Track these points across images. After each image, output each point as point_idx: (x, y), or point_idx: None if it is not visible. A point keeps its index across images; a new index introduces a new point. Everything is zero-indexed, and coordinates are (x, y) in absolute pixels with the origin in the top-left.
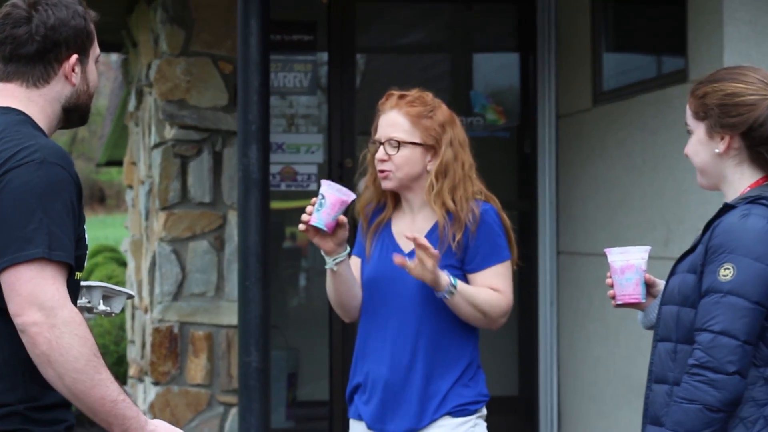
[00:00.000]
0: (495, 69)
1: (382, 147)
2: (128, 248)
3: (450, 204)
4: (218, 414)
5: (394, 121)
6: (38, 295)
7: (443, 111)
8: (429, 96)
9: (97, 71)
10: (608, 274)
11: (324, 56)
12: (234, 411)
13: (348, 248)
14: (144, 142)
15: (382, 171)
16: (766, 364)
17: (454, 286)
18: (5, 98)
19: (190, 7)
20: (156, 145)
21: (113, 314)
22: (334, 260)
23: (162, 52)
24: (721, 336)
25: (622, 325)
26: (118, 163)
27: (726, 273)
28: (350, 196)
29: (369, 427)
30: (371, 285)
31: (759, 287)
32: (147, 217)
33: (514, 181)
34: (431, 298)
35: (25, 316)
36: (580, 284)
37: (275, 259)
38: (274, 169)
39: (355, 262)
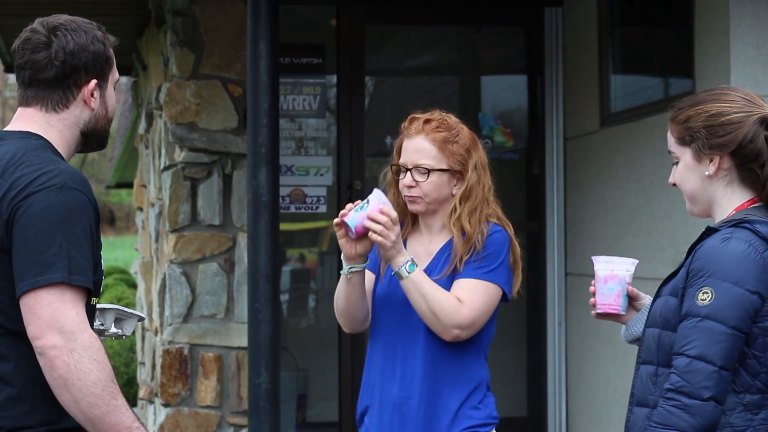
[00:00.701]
0: (503, 91)
1: (409, 173)
2: (138, 270)
3: (467, 227)
4: None
5: (420, 148)
6: (58, 319)
7: (466, 134)
8: (452, 119)
9: (115, 96)
10: (592, 282)
11: (333, 79)
12: None
13: (367, 262)
14: (154, 164)
15: (410, 197)
16: (745, 391)
17: (409, 271)
18: (24, 122)
19: (199, 31)
20: (166, 168)
21: (124, 337)
22: (350, 268)
23: (172, 75)
24: (697, 361)
25: (630, 345)
26: (128, 185)
27: (704, 297)
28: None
29: None
30: (382, 304)
31: (737, 312)
32: (157, 240)
33: (523, 202)
34: None
35: (44, 339)
36: (587, 305)
37: (288, 280)
38: (283, 191)
39: (368, 277)
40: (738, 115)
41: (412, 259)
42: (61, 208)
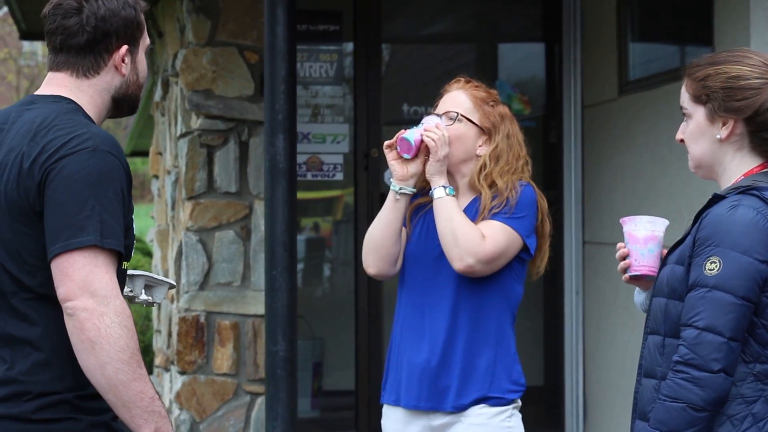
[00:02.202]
0: (520, 59)
1: (438, 118)
2: (154, 238)
3: (500, 182)
4: (245, 403)
5: (456, 99)
6: (92, 282)
7: (505, 108)
8: (495, 92)
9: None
10: (620, 244)
11: (350, 46)
12: (260, 400)
13: (416, 188)
14: (170, 132)
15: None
16: (755, 360)
17: (447, 193)
18: (55, 87)
19: None
20: (182, 135)
21: (154, 304)
22: (400, 188)
23: (188, 42)
24: (705, 332)
25: None
26: (143, 154)
27: (712, 267)
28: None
29: (408, 407)
30: (411, 262)
31: (746, 282)
32: (173, 207)
33: (540, 170)
34: (470, 279)
35: (76, 301)
36: (605, 274)
37: (303, 249)
38: (300, 159)
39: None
40: (758, 81)
41: (448, 187)
42: (93, 171)
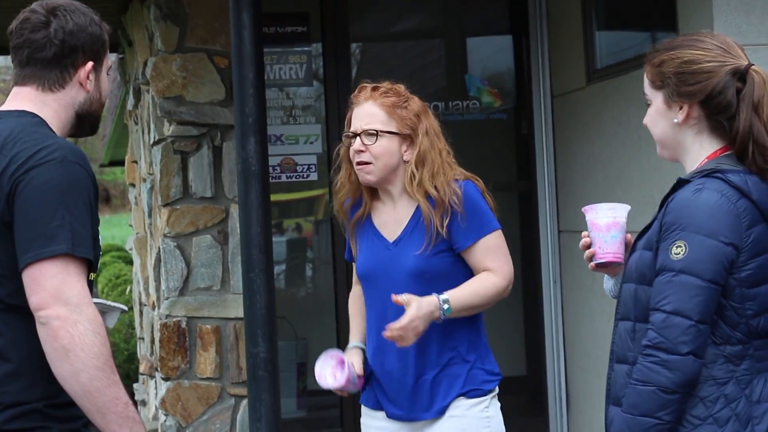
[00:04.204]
0: (489, 52)
1: (358, 138)
2: (133, 246)
3: (432, 191)
4: (229, 406)
5: (369, 112)
6: (64, 291)
7: (416, 101)
8: (401, 87)
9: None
10: (584, 233)
11: (318, 47)
12: (245, 402)
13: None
14: (144, 139)
15: (360, 163)
16: (725, 342)
17: (447, 309)
18: (20, 101)
19: (183, 4)
20: (155, 142)
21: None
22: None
23: (157, 49)
24: (673, 316)
25: None
26: (121, 163)
27: (678, 251)
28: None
29: (392, 418)
30: (366, 279)
31: (712, 264)
32: (150, 214)
33: (513, 162)
34: (425, 282)
35: (49, 310)
36: (581, 262)
37: (284, 250)
38: (274, 161)
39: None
40: (710, 64)
41: (439, 299)
42: (62, 181)
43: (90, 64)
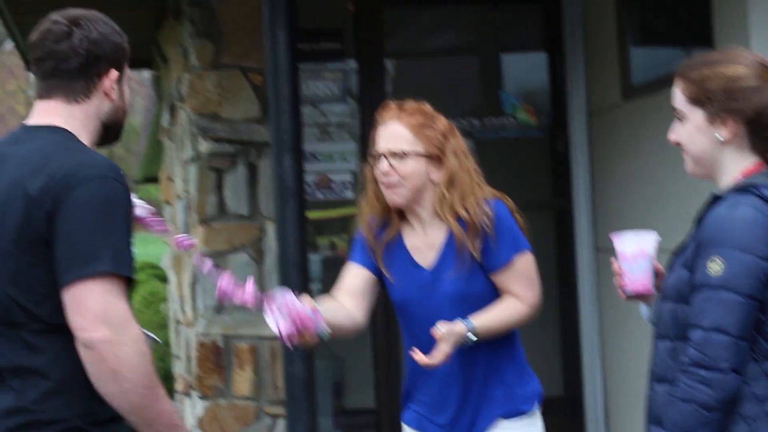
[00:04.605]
0: (524, 68)
1: (385, 160)
2: (169, 264)
3: (463, 213)
4: (266, 426)
5: (396, 133)
6: (109, 312)
7: (442, 121)
8: (427, 106)
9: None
10: (614, 260)
11: (353, 63)
12: (282, 422)
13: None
14: (179, 156)
15: (388, 185)
16: (766, 358)
17: (476, 335)
18: (48, 115)
19: (217, 21)
20: (191, 160)
21: None
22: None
23: (192, 66)
24: (713, 333)
25: None
26: (155, 180)
27: (715, 267)
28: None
29: None
30: (402, 307)
31: (750, 279)
32: (186, 232)
33: (549, 179)
34: (467, 306)
35: (94, 332)
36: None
37: (319, 269)
38: (309, 178)
39: (357, 273)
40: (756, 80)
41: (467, 329)
42: (103, 198)
43: (114, 73)
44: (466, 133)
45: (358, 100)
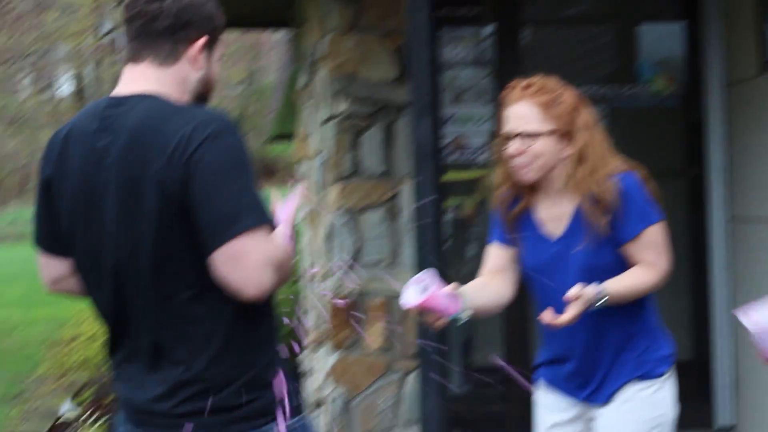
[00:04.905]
0: (659, 38)
1: (514, 140)
2: (304, 219)
3: (594, 187)
4: (396, 379)
5: (523, 113)
6: (269, 260)
7: (570, 94)
8: (554, 81)
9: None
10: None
11: (489, 29)
12: (412, 376)
13: (463, 307)
14: (316, 116)
15: (518, 165)
16: None
17: (605, 298)
18: (140, 81)
19: None
20: (328, 119)
21: None
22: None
23: (332, 27)
24: None
25: None
26: (288, 137)
27: None
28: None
29: (560, 397)
30: (532, 277)
31: None
32: (321, 190)
33: (683, 148)
34: (592, 278)
35: (252, 290)
36: (754, 248)
37: (448, 229)
38: (444, 140)
39: (497, 252)
40: None
41: (598, 294)
42: (230, 154)
43: (202, 39)
44: (601, 100)
45: (494, 65)
